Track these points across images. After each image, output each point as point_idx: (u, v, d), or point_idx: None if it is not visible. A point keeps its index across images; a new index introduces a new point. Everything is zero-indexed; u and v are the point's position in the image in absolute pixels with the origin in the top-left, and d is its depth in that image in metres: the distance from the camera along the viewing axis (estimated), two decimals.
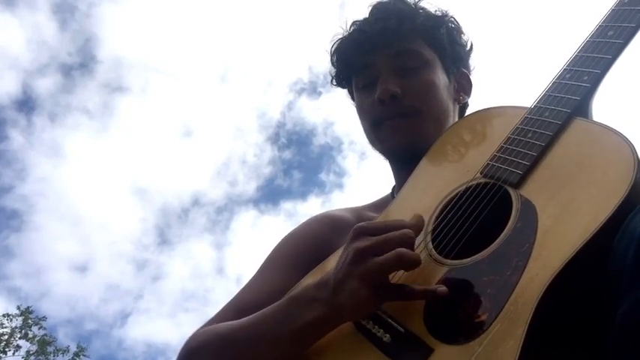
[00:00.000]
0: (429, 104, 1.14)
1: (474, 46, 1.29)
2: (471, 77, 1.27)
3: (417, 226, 0.85)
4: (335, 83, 1.30)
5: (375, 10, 1.21)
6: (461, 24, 1.26)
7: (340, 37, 1.24)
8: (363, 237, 0.82)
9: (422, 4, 1.22)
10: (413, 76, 1.15)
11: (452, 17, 1.24)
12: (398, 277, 0.84)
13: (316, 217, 1.24)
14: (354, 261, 0.80)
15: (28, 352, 14.74)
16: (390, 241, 0.80)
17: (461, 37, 1.26)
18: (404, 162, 1.17)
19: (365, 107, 1.20)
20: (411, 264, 0.79)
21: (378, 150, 1.22)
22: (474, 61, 1.30)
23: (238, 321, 0.96)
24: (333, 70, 1.29)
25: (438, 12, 1.23)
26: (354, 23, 1.23)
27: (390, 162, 1.25)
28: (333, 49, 1.26)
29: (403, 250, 0.79)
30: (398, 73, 1.15)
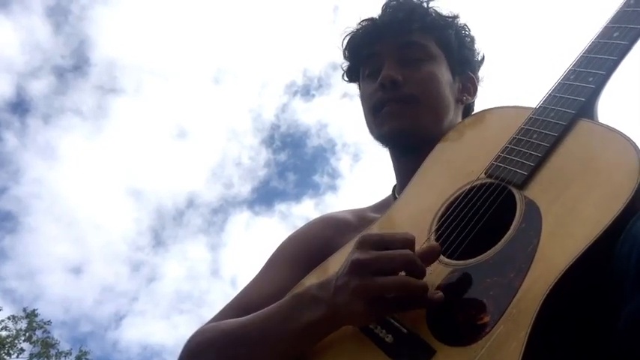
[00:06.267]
0: (428, 95, 1.16)
1: (485, 58, 1.30)
2: (477, 83, 1.28)
3: (430, 252, 0.82)
4: (346, 79, 1.32)
5: (387, 3, 1.24)
6: (472, 31, 1.27)
7: (352, 30, 1.26)
8: (366, 248, 0.80)
9: (435, 6, 1.24)
10: (416, 66, 1.17)
11: (464, 24, 1.26)
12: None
13: (319, 218, 1.25)
14: (351, 273, 0.79)
15: (31, 354, 14.76)
16: (393, 260, 0.78)
17: (471, 43, 1.27)
18: (400, 150, 1.20)
19: (367, 93, 1.22)
20: (415, 295, 0.78)
21: (375, 137, 1.23)
22: (484, 72, 1.31)
23: (241, 318, 0.96)
24: (345, 64, 1.31)
25: (449, 15, 1.25)
26: (367, 18, 1.25)
27: (389, 152, 1.26)
28: (344, 41, 1.28)
29: (410, 279, 0.78)
30: (402, 62, 1.17)
